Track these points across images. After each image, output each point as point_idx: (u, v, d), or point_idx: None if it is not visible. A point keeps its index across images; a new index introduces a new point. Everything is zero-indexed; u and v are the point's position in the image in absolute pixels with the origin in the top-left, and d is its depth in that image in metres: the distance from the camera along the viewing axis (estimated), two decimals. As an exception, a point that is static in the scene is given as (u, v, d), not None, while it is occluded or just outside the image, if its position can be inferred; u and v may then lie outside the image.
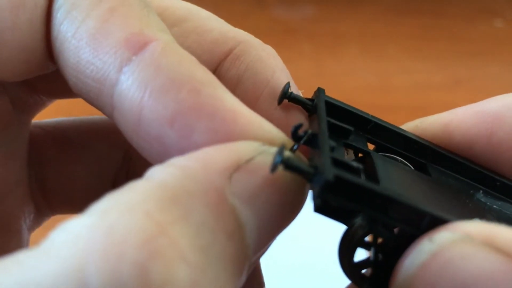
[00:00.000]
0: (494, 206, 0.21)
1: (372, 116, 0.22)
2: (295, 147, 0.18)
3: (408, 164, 0.22)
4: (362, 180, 0.17)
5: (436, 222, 0.17)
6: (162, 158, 0.17)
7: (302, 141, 0.18)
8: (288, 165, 0.16)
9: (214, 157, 0.17)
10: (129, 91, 0.17)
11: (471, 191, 0.22)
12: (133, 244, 0.13)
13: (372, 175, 0.19)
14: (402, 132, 0.22)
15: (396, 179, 0.19)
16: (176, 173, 0.16)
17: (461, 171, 0.22)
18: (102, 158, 0.25)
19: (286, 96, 0.21)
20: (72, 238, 0.14)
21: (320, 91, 0.22)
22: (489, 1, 0.80)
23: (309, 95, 0.23)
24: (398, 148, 0.22)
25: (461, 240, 0.16)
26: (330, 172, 0.16)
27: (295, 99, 0.21)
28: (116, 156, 0.25)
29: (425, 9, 0.80)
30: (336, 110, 0.22)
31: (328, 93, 0.23)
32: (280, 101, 0.21)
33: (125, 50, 0.18)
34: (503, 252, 0.15)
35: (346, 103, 0.23)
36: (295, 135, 0.18)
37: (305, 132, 0.18)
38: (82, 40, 0.18)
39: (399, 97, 0.68)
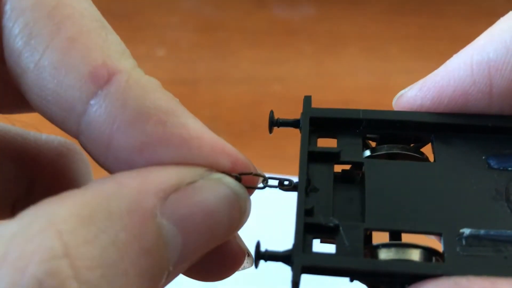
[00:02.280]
0: (510, 169, 0.21)
1: (363, 112, 0.22)
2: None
3: (411, 153, 0.22)
4: (332, 259, 0.19)
5: (418, 278, 0.18)
6: None
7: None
8: (266, 257, 0.19)
9: (156, 176, 0.18)
10: (98, 123, 0.18)
11: (483, 157, 0.21)
12: (38, 260, 0.15)
13: (360, 199, 0.20)
14: (396, 118, 0.22)
15: (387, 199, 0.20)
16: (109, 189, 0.17)
17: (467, 132, 0.21)
18: (5, 179, 0.25)
19: (274, 124, 0.22)
20: None
21: (305, 103, 0.22)
22: (489, 1, 0.80)
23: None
24: (397, 133, 0.22)
25: None
26: (299, 261, 0.18)
27: (282, 124, 0.22)
28: (20, 182, 0.25)
29: (425, 9, 0.80)
30: (324, 123, 0.22)
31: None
32: (271, 130, 0.22)
33: (90, 84, 0.18)
34: None
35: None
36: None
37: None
38: (45, 72, 0.18)
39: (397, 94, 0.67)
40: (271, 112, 0.22)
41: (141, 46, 0.73)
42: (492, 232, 0.19)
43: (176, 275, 0.19)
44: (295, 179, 0.21)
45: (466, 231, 0.19)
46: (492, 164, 0.21)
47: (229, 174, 0.20)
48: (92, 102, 0.18)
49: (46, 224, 0.16)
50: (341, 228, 0.19)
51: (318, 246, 0.20)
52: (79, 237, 0.16)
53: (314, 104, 0.23)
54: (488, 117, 0.21)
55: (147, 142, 0.18)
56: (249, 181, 0.21)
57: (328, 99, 0.67)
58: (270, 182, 0.22)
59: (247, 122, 0.66)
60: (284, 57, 0.73)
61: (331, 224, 0.19)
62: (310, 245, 0.20)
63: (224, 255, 0.21)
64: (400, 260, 0.20)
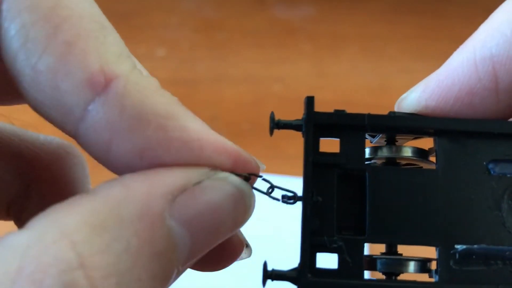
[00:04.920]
0: (508, 175, 0.21)
1: (368, 117, 0.22)
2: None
3: (414, 157, 0.22)
4: (336, 278, 0.20)
5: None
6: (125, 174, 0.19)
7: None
8: (273, 277, 0.20)
9: (163, 178, 0.18)
10: (96, 129, 0.18)
11: (484, 162, 0.21)
12: (53, 273, 0.16)
13: (362, 207, 0.21)
14: (400, 124, 0.22)
15: (387, 209, 0.21)
16: (118, 194, 0.18)
17: (470, 137, 0.22)
18: (1, 180, 0.25)
19: (275, 126, 0.22)
20: (8, 256, 0.16)
21: (308, 105, 0.22)
22: (489, 1, 0.80)
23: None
24: (401, 134, 0.22)
25: None
26: (306, 282, 0.20)
27: (284, 126, 0.22)
28: (16, 183, 0.25)
29: (425, 9, 0.80)
30: (327, 126, 0.22)
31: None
32: (271, 132, 0.22)
33: (88, 90, 0.18)
34: None
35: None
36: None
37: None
38: (41, 76, 0.18)
39: (399, 97, 0.68)
40: (272, 114, 0.22)
41: (141, 46, 0.73)
42: (484, 247, 0.20)
43: (183, 271, 0.19)
44: (293, 181, 0.22)
45: (460, 247, 0.21)
46: (491, 170, 0.21)
47: (238, 174, 0.20)
48: (90, 108, 0.18)
49: (59, 235, 0.16)
50: (343, 245, 0.21)
51: (321, 258, 0.21)
52: (93, 247, 0.16)
53: (314, 104, 0.22)
54: (492, 123, 0.21)
55: (148, 147, 0.19)
56: (252, 178, 0.21)
57: (328, 99, 0.67)
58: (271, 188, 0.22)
59: (247, 122, 0.66)
60: (284, 57, 0.73)
61: (335, 245, 0.21)
62: (314, 262, 0.21)
63: (223, 246, 0.21)
64: (397, 277, 0.22)
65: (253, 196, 0.21)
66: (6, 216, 0.26)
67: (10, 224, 0.26)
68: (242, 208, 0.20)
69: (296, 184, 0.22)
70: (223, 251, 0.21)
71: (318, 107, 0.22)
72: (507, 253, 0.20)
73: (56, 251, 0.16)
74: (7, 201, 0.25)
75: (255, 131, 0.65)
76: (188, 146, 0.19)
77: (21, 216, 0.25)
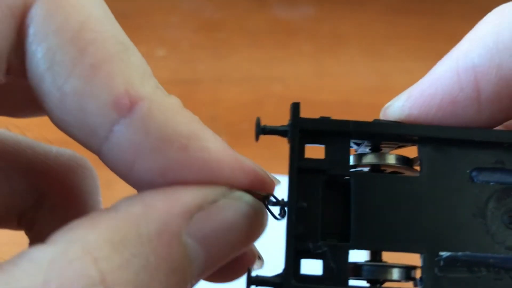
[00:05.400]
0: (491, 183, 0.21)
1: (352, 124, 0.22)
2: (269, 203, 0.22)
3: (399, 164, 0.22)
4: (320, 283, 0.20)
5: None
6: (145, 190, 0.20)
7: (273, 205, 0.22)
8: (257, 283, 0.20)
9: (181, 197, 0.19)
10: (120, 149, 0.19)
11: (467, 170, 0.22)
12: None
13: (346, 213, 0.21)
14: (384, 131, 0.22)
15: (371, 216, 0.21)
16: (138, 212, 0.18)
17: (453, 145, 0.22)
18: (14, 191, 0.25)
19: (261, 131, 0.22)
20: (33, 270, 0.16)
21: (293, 112, 0.22)
22: (489, 1, 0.80)
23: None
24: (386, 142, 0.23)
25: None
26: (289, 287, 0.20)
27: (270, 132, 0.22)
28: (28, 195, 0.25)
29: (425, 9, 0.80)
30: (312, 132, 0.22)
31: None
32: (257, 137, 0.22)
33: (113, 112, 0.19)
34: None
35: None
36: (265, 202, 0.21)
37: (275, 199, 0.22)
38: (67, 98, 0.19)
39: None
40: (258, 119, 0.22)
41: (141, 46, 0.73)
42: (468, 254, 0.21)
43: (196, 284, 0.20)
44: (279, 186, 0.22)
45: (445, 254, 0.21)
46: (474, 178, 0.21)
47: (254, 193, 0.21)
48: (114, 129, 0.19)
49: (81, 251, 0.17)
50: (327, 251, 0.21)
51: (305, 265, 0.21)
52: (114, 263, 0.17)
53: (314, 104, 0.23)
54: (474, 131, 0.22)
55: (169, 167, 0.19)
56: (263, 189, 0.22)
57: (328, 99, 0.67)
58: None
59: (247, 122, 0.66)
60: (284, 57, 0.73)
61: (320, 251, 0.21)
62: (298, 267, 0.21)
63: (236, 258, 0.21)
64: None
65: (266, 214, 0.22)
66: (17, 227, 0.26)
67: (20, 234, 0.26)
68: (256, 226, 0.21)
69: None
70: (236, 262, 0.22)
71: (318, 107, 0.22)
72: (491, 260, 0.21)
73: (80, 267, 0.16)
74: (19, 211, 0.25)
75: (254, 131, 0.65)
76: (208, 165, 0.20)
77: (32, 227, 0.26)
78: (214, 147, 0.20)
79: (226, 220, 0.20)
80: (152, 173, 0.19)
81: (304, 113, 0.22)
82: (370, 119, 0.23)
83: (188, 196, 0.19)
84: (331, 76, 0.71)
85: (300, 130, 0.21)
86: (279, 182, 0.22)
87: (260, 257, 0.23)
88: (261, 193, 0.21)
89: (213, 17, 0.77)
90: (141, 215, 0.18)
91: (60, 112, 0.19)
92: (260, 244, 0.23)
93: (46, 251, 0.17)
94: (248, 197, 0.21)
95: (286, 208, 0.21)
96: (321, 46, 0.75)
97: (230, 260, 0.20)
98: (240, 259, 0.22)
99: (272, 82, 0.70)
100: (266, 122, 0.22)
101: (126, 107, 0.19)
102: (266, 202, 0.21)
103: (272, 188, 0.22)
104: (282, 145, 0.60)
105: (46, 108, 0.19)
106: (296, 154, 0.21)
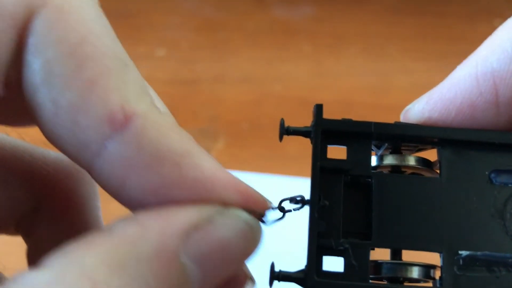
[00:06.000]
0: (510, 185, 0.22)
1: (375, 125, 0.22)
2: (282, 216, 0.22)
3: (419, 165, 0.23)
4: (342, 281, 0.21)
5: None
6: (137, 209, 0.19)
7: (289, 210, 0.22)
8: (280, 278, 0.20)
9: (177, 216, 0.19)
10: (112, 165, 0.19)
11: (486, 172, 0.22)
12: None
13: (367, 212, 0.22)
14: (405, 132, 0.23)
15: (392, 215, 0.22)
16: (135, 233, 0.18)
17: (473, 147, 0.22)
18: (12, 197, 0.25)
19: (285, 132, 0.23)
20: None
21: (317, 113, 0.22)
22: (489, 1, 0.80)
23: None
24: (406, 143, 0.23)
25: None
26: (313, 283, 0.20)
27: (293, 132, 0.23)
28: (26, 201, 0.25)
29: (425, 9, 0.80)
30: (335, 133, 0.22)
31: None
32: (281, 138, 0.23)
33: (107, 127, 0.19)
34: None
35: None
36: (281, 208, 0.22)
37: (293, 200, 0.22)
38: (61, 111, 0.19)
39: (399, 97, 0.68)
40: (282, 120, 0.22)
41: (141, 46, 0.73)
42: (487, 253, 0.21)
43: None
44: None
45: (464, 253, 0.21)
46: (493, 179, 0.22)
47: (250, 211, 0.21)
48: (107, 144, 0.19)
49: (79, 274, 0.16)
50: (349, 248, 0.21)
51: (327, 260, 0.22)
52: (113, 287, 0.17)
53: (319, 103, 0.23)
54: (493, 133, 0.22)
55: (162, 185, 0.19)
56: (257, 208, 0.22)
57: (328, 99, 0.67)
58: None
59: (247, 122, 0.66)
60: (284, 57, 0.73)
61: (342, 248, 0.21)
62: (320, 264, 0.21)
63: (229, 280, 0.21)
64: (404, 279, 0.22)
65: (261, 230, 0.21)
66: (15, 232, 0.26)
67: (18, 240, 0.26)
68: (252, 243, 0.21)
69: (295, 184, 0.22)
70: (228, 284, 0.22)
71: (330, 118, 0.22)
72: (510, 260, 0.21)
73: None
74: (17, 217, 0.25)
75: (255, 131, 0.65)
76: (201, 184, 0.19)
77: (30, 233, 0.26)
78: (208, 165, 0.20)
79: (223, 238, 0.19)
80: (144, 190, 0.19)
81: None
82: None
83: (183, 215, 0.19)
84: (331, 76, 0.71)
85: (323, 131, 0.22)
86: (272, 204, 0.22)
87: (251, 278, 0.23)
88: (257, 210, 0.21)
89: (213, 17, 0.77)
90: (138, 236, 0.18)
91: (53, 125, 0.19)
92: (285, 241, 0.23)
93: (42, 276, 0.16)
94: (244, 215, 0.20)
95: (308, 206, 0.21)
96: (321, 46, 0.75)
97: (224, 279, 0.20)
98: (231, 280, 0.22)
99: (272, 82, 0.70)
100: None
101: (120, 122, 0.19)
102: (263, 219, 0.21)
103: (265, 208, 0.22)
104: (283, 145, 0.60)
105: (39, 120, 0.19)
106: (319, 154, 0.21)
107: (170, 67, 0.72)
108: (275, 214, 0.22)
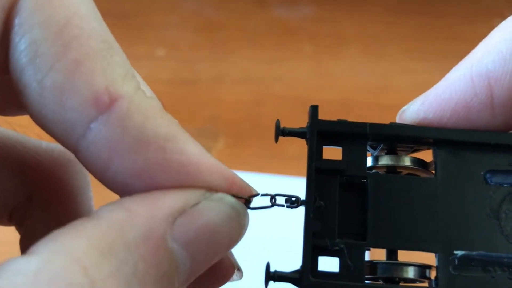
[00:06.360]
0: (505, 185, 0.22)
1: (370, 126, 0.22)
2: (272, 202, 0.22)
3: (414, 166, 0.23)
4: (337, 281, 0.21)
5: None
6: (123, 193, 0.19)
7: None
8: (276, 278, 0.20)
9: (163, 201, 0.19)
10: (96, 147, 0.19)
11: (482, 172, 0.22)
12: None
13: (363, 212, 0.22)
14: (401, 133, 0.23)
15: (387, 215, 0.22)
16: (122, 218, 0.18)
17: (468, 147, 0.22)
18: (4, 188, 0.25)
19: (280, 133, 0.22)
20: (19, 281, 0.16)
21: (312, 114, 0.22)
22: (489, 1, 0.80)
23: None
24: (402, 144, 0.23)
25: None
26: (308, 283, 0.20)
27: (289, 133, 0.23)
28: (19, 191, 0.25)
29: (425, 9, 0.80)
30: (330, 134, 0.22)
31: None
32: (277, 139, 0.23)
33: (92, 108, 0.18)
34: None
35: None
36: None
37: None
38: (47, 91, 0.19)
39: (399, 97, 0.68)
40: (278, 121, 0.22)
41: (141, 46, 0.73)
42: (482, 253, 0.21)
43: None
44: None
45: (459, 252, 0.21)
46: (488, 180, 0.22)
47: (236, 196, 0.21)
48: (92, 126, 0.19)
49: (69, 259, 0.16)
50: (344, 249, 0.21)
51: (322, 261, 0.22)
52: (104, 271, 0.17)
53: (315, 104, 0.23)
54: (488, 134, 0.22)
55: (146, 168, 0.19)
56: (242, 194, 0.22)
57: (328, 99, 0.67)
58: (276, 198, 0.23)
59: (247, 122, 0.66)
60: (284, 57, 0.73)
61: (337, 248, 0.21)
62: (316, 264, 0.21)
63: (216, 269, 0.21)
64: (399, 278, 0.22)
65: (247, 215, 0.21)
66: (8, 222, 0.26)
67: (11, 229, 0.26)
68: (238, 227, 0.21)
69: (295, 185, 0.22)
70: (215, 273, 0.22)
71: (319, 108, 0.22)
72: (505, 260, 0.21)
73: (68, 276, 0.16)
74: (10, 207, 0.25)
75: (255, 131, 0.65)
76: (186, 169, 0.19)
77: (23, 223, 0.26)
78: (193, 150, 0.20)
79: (209, 222, 0.19)
80: (128, 174, 0.19)
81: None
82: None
83: (169, 200, 0.19)
84: (331, 76, 0.71)
85: (318, 132, 0.22)
86: (258, 193, 0.22)
87: (239, 268, 0.23)
88: (241, 196, 0.21)
89: (213, 17, 0.77)
90: (125, 221, 0.18)
91: (39, 106, 0.19)
92: (280, 241, 0.23)
93: (30, 262, 0.16)
94: (229, 198, 0.20)
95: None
96: (321, 46, 0.75)
97: (209, 269, 0.20)
98: (219, 270, 0.22)
99: (272, 82, 0.70)
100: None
101: (105, 104, 0.18)
102: (248, 204, 0.21)
103: (249, 194, 0.22)
104: (283, 146, 0.60)
105: (25, 102, 0.19)
106: (314, 155, 0.21)
107: (170, 67, 0.72)
108: (263, 202, 0.22)
